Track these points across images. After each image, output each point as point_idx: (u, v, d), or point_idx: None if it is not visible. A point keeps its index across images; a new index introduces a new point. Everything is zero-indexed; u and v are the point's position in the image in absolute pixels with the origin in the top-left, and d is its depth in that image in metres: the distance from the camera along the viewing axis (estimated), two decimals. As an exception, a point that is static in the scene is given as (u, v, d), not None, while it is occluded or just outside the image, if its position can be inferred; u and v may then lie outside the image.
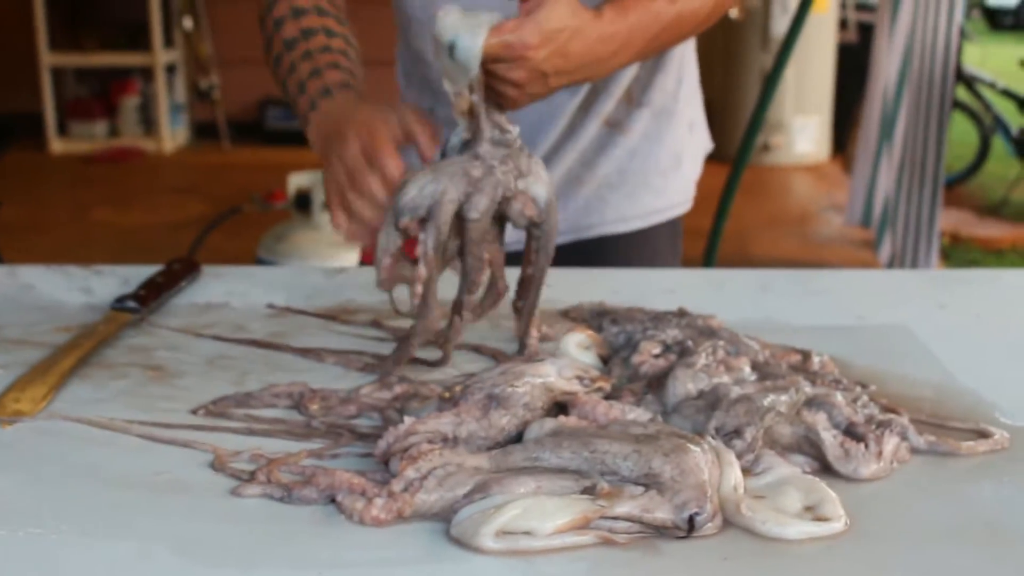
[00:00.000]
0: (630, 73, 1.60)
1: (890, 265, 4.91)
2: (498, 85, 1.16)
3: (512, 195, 1.16)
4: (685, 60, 1.68)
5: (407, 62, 1.69)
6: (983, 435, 1.01)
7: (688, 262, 1.80)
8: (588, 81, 1.30)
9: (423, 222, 1.13)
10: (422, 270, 1.13)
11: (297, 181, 4.34)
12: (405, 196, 1.13)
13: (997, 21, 17.43)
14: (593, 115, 1.60)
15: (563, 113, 1.59)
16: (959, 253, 5.94)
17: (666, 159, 1.66)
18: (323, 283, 1.51)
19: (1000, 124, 7.06)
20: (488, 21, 1.12)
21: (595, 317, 1.29)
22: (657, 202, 1.67)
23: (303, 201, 4.28)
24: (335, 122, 1.25)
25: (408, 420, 0.95)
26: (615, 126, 1.61)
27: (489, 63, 1.13)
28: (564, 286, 1.46)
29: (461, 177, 1.14)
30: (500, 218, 1.18)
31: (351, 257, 3.92)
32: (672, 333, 1.15)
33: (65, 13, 8.40)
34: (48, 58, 8.25)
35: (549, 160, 1.59)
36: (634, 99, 1.62)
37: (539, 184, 1.18)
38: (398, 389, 1.11)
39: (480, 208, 1.14)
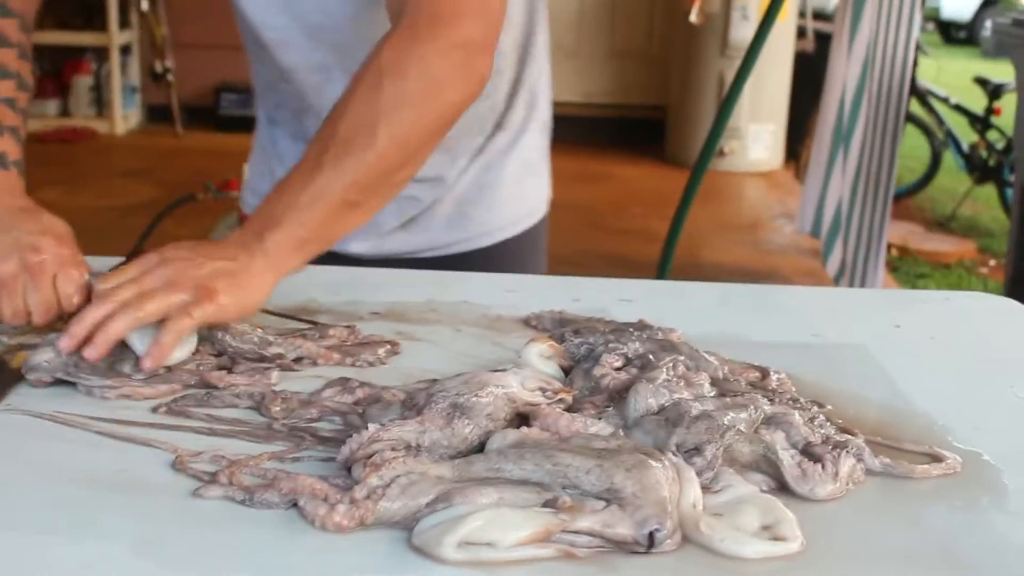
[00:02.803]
0: (488, 108, 1.61)
1: (838, 274, 4.96)
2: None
3: None
4: (539, 84, 1.68)
5: (264, 80, 1.67)
6: (936, 459, 1.03)
7: (642, 266, 1.81)
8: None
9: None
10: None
11: (252, 170, 4.31)
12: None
13: (950, 34, 17.64)
14: (452, 150, 1.61)
15: None
16: (907, 266, 6.01)
17: (521, 168, 1.68)
18: (283, 281, 1.49)
19: (952, 139, 7.15)
20: None
21: (556, 326, 1.30)
22: (516, 211, 1.69)
23: (258, 191, 4.24)
24: None
25: (372, 427, 0.95)
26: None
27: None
28: (525, 292, 1.47)
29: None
30: None
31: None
32: (633, 346, 1.16)
33: (20, -11, 8.28)
34: None
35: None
36: (491, 130, 1.64)
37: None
38: (360, 393, 1.11)
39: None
